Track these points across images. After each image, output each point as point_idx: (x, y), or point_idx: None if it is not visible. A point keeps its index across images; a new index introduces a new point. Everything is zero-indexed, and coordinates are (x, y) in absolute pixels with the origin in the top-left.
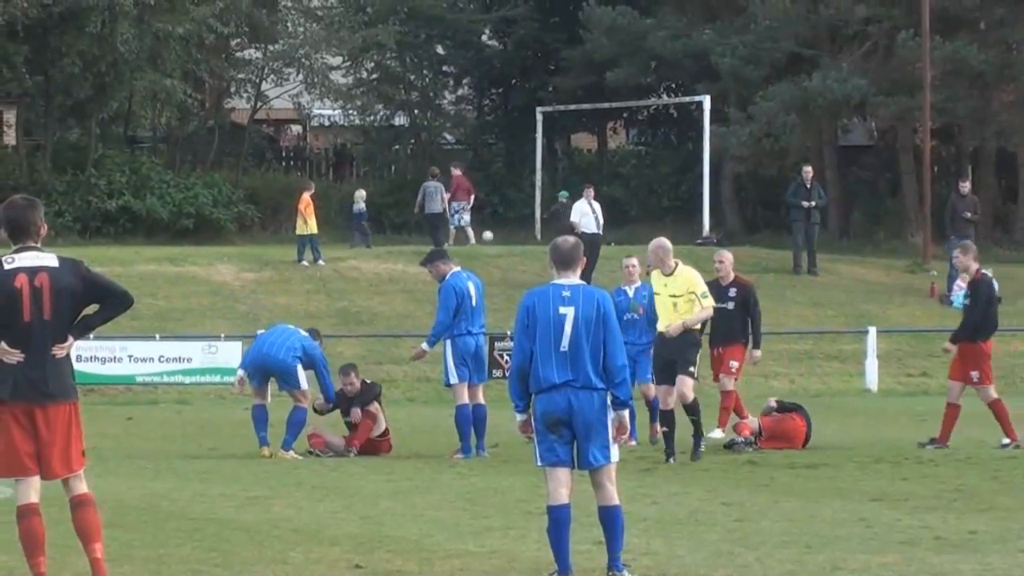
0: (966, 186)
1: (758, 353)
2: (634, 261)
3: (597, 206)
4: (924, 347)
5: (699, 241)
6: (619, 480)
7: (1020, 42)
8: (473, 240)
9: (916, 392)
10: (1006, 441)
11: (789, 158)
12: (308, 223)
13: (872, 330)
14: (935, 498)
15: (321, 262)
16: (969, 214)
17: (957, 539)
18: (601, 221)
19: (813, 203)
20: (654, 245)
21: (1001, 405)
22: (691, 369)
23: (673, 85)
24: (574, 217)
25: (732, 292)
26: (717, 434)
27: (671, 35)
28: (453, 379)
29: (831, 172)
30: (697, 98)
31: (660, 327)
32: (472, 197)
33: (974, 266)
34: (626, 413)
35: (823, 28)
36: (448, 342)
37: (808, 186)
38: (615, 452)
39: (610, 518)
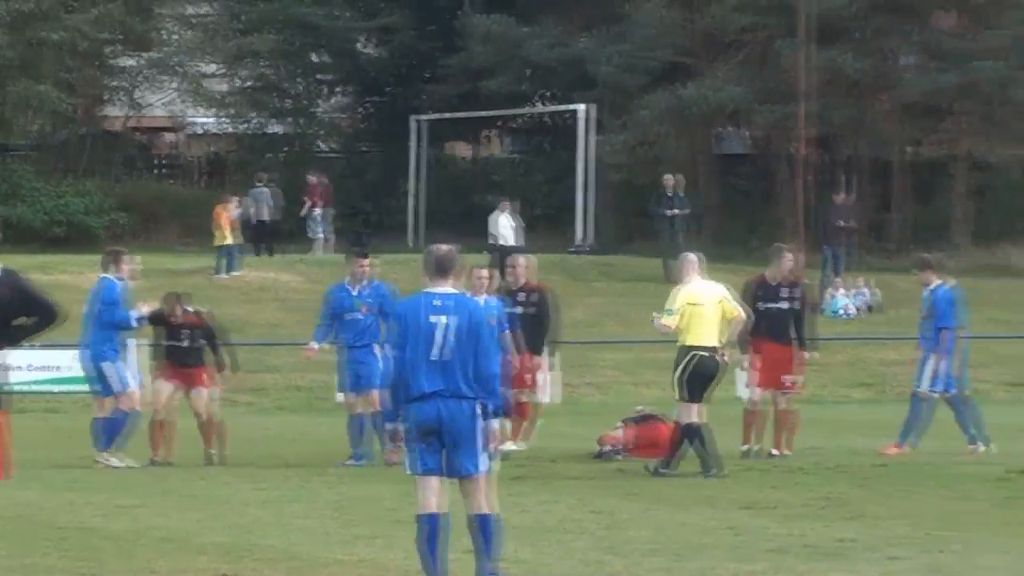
0: (841, 195)
1: (540, 360)
2: (485, 272)
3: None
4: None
5: (571, 249)
6: (493, 487)
7: (896, 51)
8: (322, 251)
9: None
10: (780, 452)
11: (665, 167)
12: (226, 235)
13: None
14: (804, 506)
15: (236, 272)
16: (844, 223)
17: (826, 547)
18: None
19: (676, 211)
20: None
21: (795, 417)
22: (675, 393)
23: (549, 93)
24: (499, 230)
25: (521, 296)
26: (509, 446)
27: (548, 43)
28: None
29: (707, 180)
30: (573, 107)
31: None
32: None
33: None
34: (496, 423)
35: (700, 37)
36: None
37: (670, 195)
38: (486, 461)
39: (480, 527)
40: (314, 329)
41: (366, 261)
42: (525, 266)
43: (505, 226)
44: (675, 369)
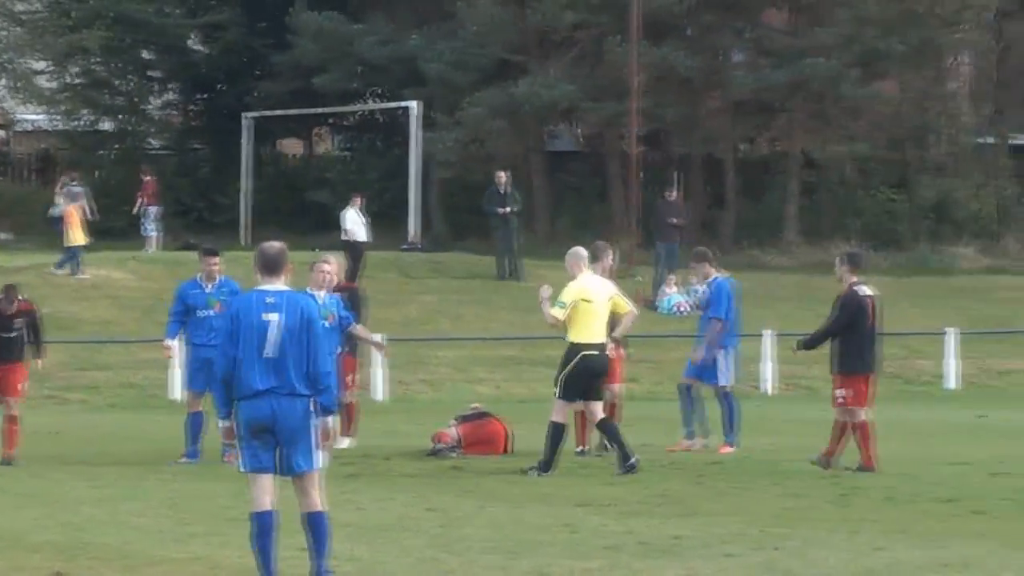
0: (673, 193)
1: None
2: (327, 267)
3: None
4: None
5: (404, 247)
6: (324, 486)
7: (728, 48)
8: (155, 248)
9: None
10: (579, 448)
11: (496, 164)
12: (74, 234)
13: None
14: (640, 503)
15: (82, 276)
16: (676, 220)
17: (661, 544)
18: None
19: (509, 209)
20: (567, 254)
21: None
22: (555, 390)
23: (381, 91)
24: (348, 225)
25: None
26: (345, 443)
27: (379, 40)
28: None
29: (538, 178)
30: (405, 104)
31: None
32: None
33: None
34: (331, 419)
35: (531, 34)
36: None
37: (503, 192)
38: (320, 458)
39: (315, 525)
40: (166, 326)
41: (217, 258)
42: (337, 265)
43: (355, 221)
44: (561, 368)
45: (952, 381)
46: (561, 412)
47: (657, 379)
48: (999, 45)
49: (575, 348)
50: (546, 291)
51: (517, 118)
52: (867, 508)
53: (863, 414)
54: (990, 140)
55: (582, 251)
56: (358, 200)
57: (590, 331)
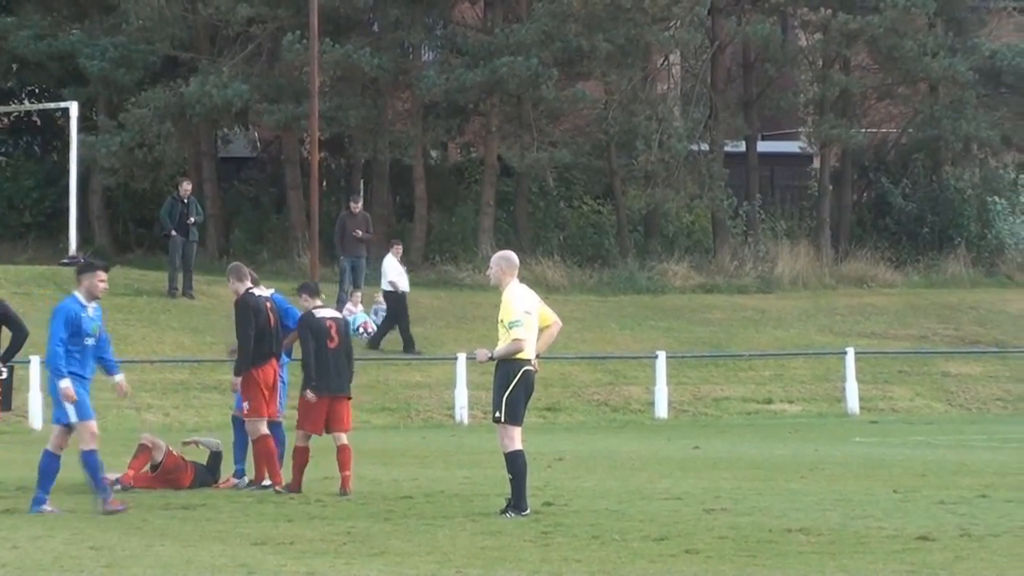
0: (358, 203)
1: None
2: None
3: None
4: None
5: (65, 261)
6: None
7: (417, 46)
8: None
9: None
10: (267, 483)
11: (165, 170)
12: None
13: None
14: (323, 541)
15: None
16: (360, 232)
17: None
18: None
19: (192, 220)
20: (493, 258)
21: (268, 444)
22: (496, 414)
23: (37, 90)
24: (391, 276)
25: None
26: None
27: (34, 35)
28: None
29: (210, 186)
30: (63, 104)
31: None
32: None
33: (241, 287)
34: None
35: (202, 29)
36: None
37: (186, 201)
38: None
39: None
40: None
41: None
42: None
43: (401, 273)
44: (502, 387)
45: (663, 409)
46: (515, 439)
47: None
48: (713, 44)
49: (515, 364)
50: (483, 354)
51: (186, 121)
52: (571, 547)
53: (306, 440)
54: (703, 147)
55: (514, 257)
56: (399, 248)
57: (528, 346)
